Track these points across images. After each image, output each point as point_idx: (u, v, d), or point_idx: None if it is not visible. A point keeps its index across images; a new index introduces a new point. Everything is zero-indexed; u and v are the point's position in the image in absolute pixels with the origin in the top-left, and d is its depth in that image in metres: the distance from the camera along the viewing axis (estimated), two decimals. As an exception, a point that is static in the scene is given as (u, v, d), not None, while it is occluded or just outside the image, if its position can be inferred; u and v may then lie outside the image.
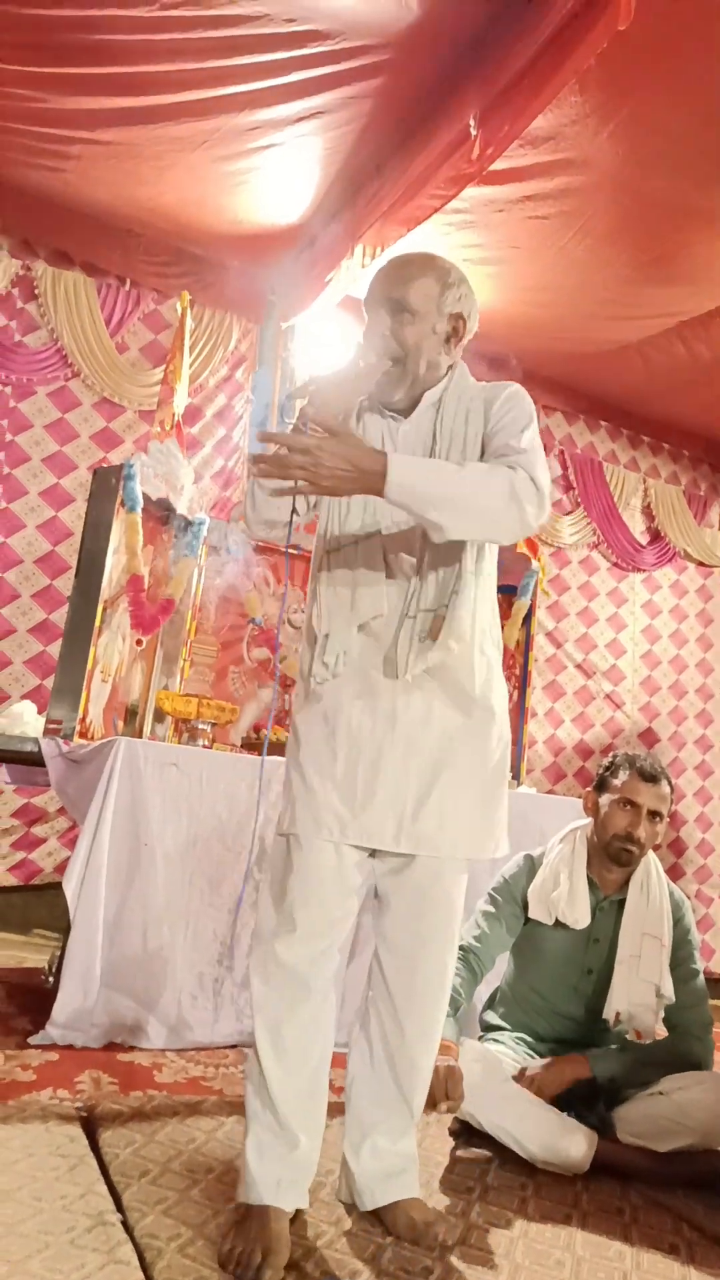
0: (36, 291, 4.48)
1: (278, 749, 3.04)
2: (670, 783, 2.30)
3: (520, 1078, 2.08)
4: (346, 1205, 1.71)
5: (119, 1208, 1.59)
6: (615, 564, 6.00)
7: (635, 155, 3.69)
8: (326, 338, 4.84)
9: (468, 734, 1.66)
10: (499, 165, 3.65)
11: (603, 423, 6.04)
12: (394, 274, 1.74)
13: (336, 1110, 1.74)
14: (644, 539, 6.12)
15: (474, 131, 3.40)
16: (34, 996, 2.74)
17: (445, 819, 1.63)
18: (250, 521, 1.74)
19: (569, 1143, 1.97)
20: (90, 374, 4.52)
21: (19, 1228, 1.47)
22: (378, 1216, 1.67)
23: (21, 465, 4.42)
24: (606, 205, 4.00)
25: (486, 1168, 1.99)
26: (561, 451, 5.87)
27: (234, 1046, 2.67)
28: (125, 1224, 1.54)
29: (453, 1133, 2.13)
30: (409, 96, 3.62)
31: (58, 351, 4.49)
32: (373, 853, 1.67)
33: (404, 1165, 1.71)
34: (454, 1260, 1.58)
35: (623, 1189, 1.96)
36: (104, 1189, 1.64)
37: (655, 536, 6.16)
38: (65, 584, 4.30)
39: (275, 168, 4.04)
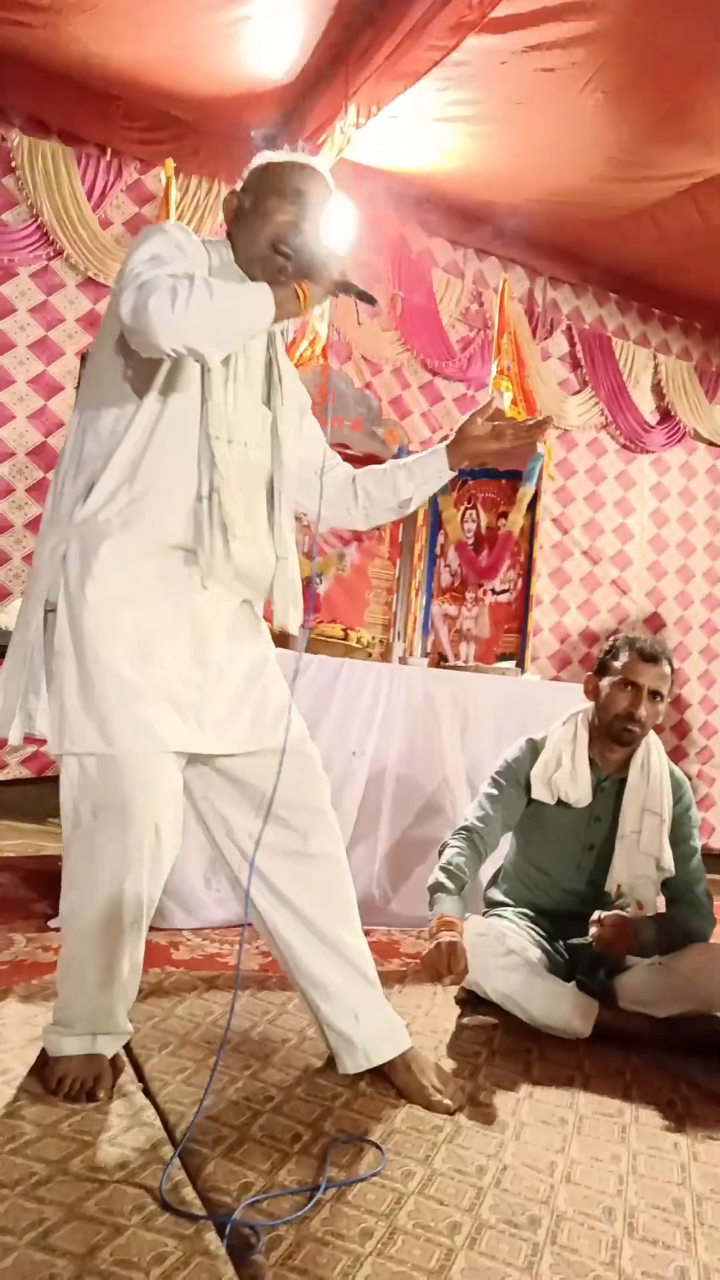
0: (13, 164, 4.24)
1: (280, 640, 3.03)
2: (671, 663, 2.29)
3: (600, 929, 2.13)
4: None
5: (140, 1077, 1.66)
6: (624, 446, 5.87)
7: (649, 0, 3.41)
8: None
9: (271, 653, 1.77)
10: (501, 11, 3.38)
11: (612, 295, 5.79)
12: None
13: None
14: (653, 419, 5.96)
15: (475, -30, 3.14)
16: (52, 881, 2.80)
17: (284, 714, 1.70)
18: (167, 326, 1.38)
19: (571, 1009, 2.04)
20: (73, 252, 4.32)
21: (47, 1097, 1.54)
22: (383, 1074, 1.73)
23: (7, 352, 4.27)
24: (617, 55, 3.72)
25: (492, 1034, 2.07)
26: (569, 327, 5.66)
27: (248, 924, 2.75)
28: (147, 1091, 1.61)
29: (459, 1001, 2.22)
30: (404, -69, 3.33)
31: (38, 229, 4.28)
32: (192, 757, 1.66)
33: (392, 1022, 1.75)
34: (463, 1119, 1.65)
35: (624, 1052, 2.04)
36: (126, 1061, 1.71)
37: (665, 416, 6.00)
38: (61, 477, 4.21)
39: (262, 20, 3.75)
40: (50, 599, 1.55)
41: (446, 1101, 1.69)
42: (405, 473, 1.83)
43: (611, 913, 2.15)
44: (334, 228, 4.41)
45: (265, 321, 1.49)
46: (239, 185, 1.71)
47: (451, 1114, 1.67)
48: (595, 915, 2.15)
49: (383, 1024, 1.74)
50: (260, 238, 1.62)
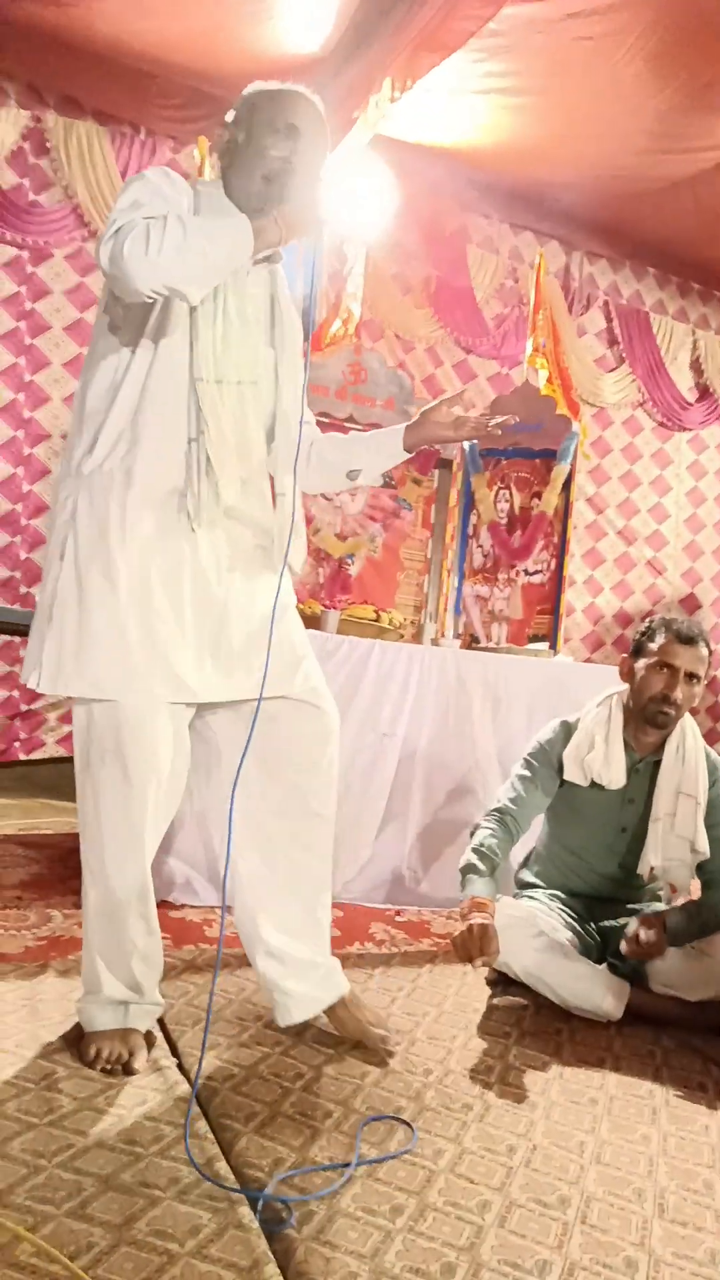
0: (48, 145, 4.24)
1: (312, 622, 3.04)
2: (708, 645, 2.26)
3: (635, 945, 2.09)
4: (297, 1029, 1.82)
5: (174, 1053, 1.69)
6: (660, 423, 5.78)
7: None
8: (354, 182, 4.54)
9: (290, 600, 1.77)
10: (540, -23, 3.32)
11: (650, 269, 5.69)
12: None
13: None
14: (691, 396, 5.86)
15: (512, -63, 3.07)
16: (88, 859, 2.86)
17: (303, 666, 1.74)
18: (141, 267, 1.39)
19: (603, 991, 2.04)
20: (108, 234, 4.32)
21: (83, 1071, 1.57)
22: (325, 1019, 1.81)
23: (42, 334, 4.29)
24: (658, 21, 3.63)
25: (523, 1015, 2.08)
26: (606, 302, 5.57)
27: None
28: (181, 1067, 1.64)
29: (490, 982, 2.23)
30: None
31: (74, 210, 4.28)
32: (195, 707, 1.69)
33: (333, 964, 1.81)
34: (492, 1097, 1.67)
35: (654, 1034, 2.04)
36: (160, 1038, 1.74)
37: (704, 393, 5.90)
38: (95, 458, 4.24)
39: (294, -9, 3.71)
40: (62, 552, 1.57)
41: (381, 1031, 1.77)
42: (361, 445, 1.83)
43: (649, 930, 2.10)
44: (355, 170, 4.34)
45: (244, 253, 1.49)
46: (230, 117, 1.67)
47: (389, 1053, 1.75)
48: (631, 929, 2.12)
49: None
50: (254, 174, 1.59)
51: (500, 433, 1.72)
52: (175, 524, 1.57)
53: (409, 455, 1.81)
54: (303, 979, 1.77)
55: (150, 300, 1.46)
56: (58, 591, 1.56)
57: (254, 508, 1.65)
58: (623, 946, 2.12)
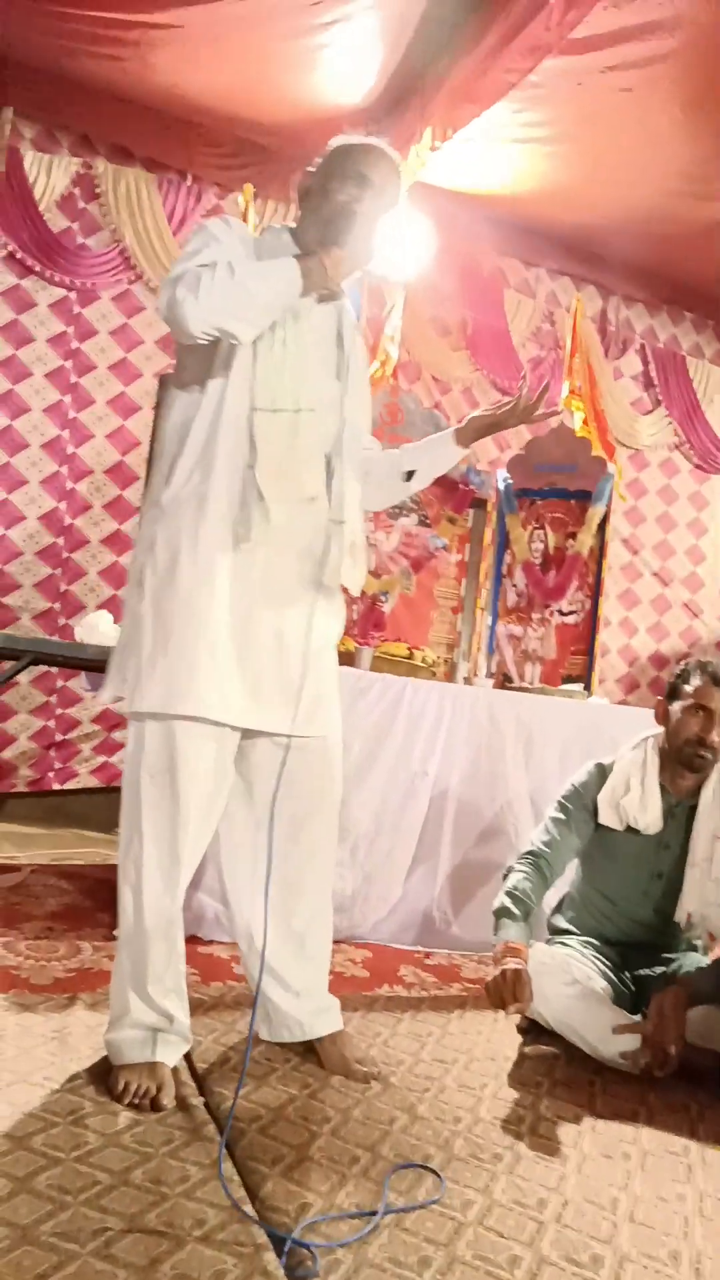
0: (98, 190, 4.38)
1: (345, 659, 3.05)
2: (746, 688, 2.23)
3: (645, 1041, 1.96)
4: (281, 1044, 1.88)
5: (202, 1091, 1.68)
6: (697, 466, 5.76)
7: (731, 12, 3.37)
8: (395, 229, 4.62)
9: (333, 635, 1.81)
10: (579, 33, 3.38)
11: (687, 314, 5.71)
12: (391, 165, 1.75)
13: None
14: (728, 438, 5.84)
15: (553, -7, 3.14)
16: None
17: (323, 703, 1.77)
18: (192, 312, 1.51)
19: (636, 1042, 1.99)
20: (153, 276, 4.43)
21: (110, 1106, 1.56)
22: (308, 1048, 1.86)
23: (88, 373, 4.39)
24: (694, 67, 3.67)
25: (554, 1064, 2.04)
26: (643, 346, 5.59)
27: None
28: (208, 1105, 1.62)
29: (521, 1030, 2.19)
30: (482, -43, 3.35)
31: (121, 253, 4.40)
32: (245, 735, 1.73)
33: (331, 1002, 1.88)
34: (523, 1148, 1.63)
35: (689, 1087, 1.99)
36: (187, 1075, 1.73)
37: (740, 435, 5.87)
38: (135, 494, 4.31)
39: (339, 46, 3.81)
40: (141, 580, 1.66)
41: (364, 1070, 1.79)
42: (412, 450, 1.91)
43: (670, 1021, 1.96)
44: (397, 217, 4.43)
45: (292, 293, 1.59)
46: (313, 166, 1.77)
47: (369, 1081, 1.77)
48: (650, 1015, 1.98)
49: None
50: (318, 215, 1.69)
51: (559, 411, 1.79)
52: (238, 552, 1.63)
53: (465, 452, 1.90)
54: (298, 1003, 1.83)
55: (205, 342, 1.55)
56: (139, 617, 1.64)
57: (298, 529, 1.68)
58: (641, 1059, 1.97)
